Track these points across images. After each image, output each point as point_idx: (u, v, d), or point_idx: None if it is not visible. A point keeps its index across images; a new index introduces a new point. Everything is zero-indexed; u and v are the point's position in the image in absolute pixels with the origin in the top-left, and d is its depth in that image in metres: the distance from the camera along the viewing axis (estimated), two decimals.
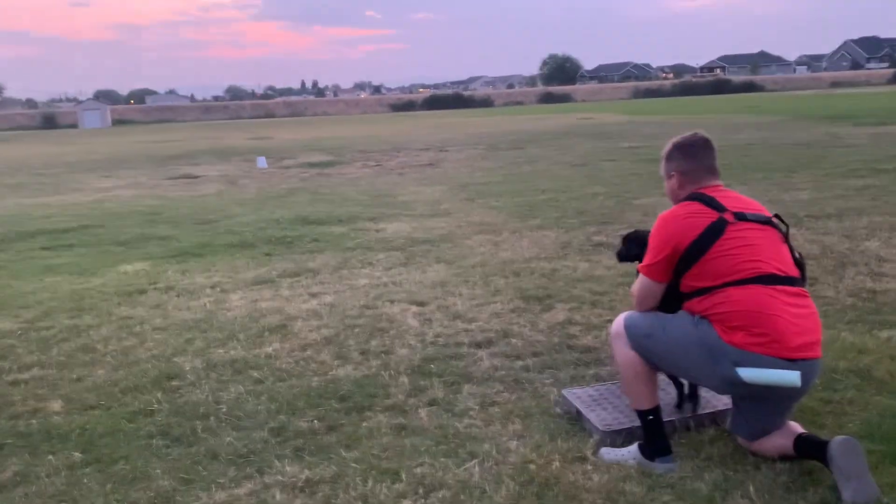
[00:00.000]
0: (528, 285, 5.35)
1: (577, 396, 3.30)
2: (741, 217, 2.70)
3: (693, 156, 2.87)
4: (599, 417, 3.08)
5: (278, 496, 2.70)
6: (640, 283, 2.85)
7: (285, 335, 4.53)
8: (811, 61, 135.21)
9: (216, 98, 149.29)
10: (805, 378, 2.55)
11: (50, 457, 3.08)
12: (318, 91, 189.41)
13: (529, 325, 4.48)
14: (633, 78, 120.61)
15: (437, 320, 4.67)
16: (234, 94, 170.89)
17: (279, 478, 2.82)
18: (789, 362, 2.53)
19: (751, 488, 2.57)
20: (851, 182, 9.67)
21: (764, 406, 2.71)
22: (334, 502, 2.66)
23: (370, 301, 5.16)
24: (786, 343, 2.53)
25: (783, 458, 2.70)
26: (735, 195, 2.83)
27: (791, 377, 2.52)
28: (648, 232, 2.88)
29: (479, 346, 4.18)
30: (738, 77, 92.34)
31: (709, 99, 56.55)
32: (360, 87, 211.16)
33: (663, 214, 2.80)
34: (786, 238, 2.76)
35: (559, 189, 10.52)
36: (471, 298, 5.11)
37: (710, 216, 2.69)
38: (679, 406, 3.15)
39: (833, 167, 11.23)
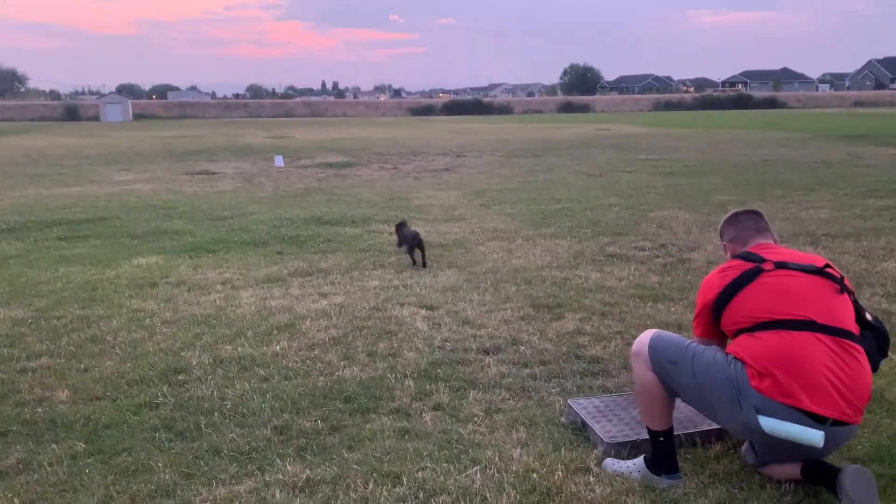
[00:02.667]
0: (539, 293, 5.33)
1: (583, 407, 3.27)
2: (781, 266, 2.64)
3: (738, 223, 2.97)
4: (604, 429, 3.06)
5: (278, 495, 2.69)
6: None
7: (293, 334, 4.53)
8: (834, 80, 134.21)
9: (237, 96, 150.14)
10: (829, 441, 2.41)
11: (53, 446, 3.10)
12: (339, 92, 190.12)
13: (538, 334, 4.46)
14: (653, 90, 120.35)
15: (445, 325, 4.65)
16: (255, 92, 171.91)
17: (280, 476, 2.81)
18: (816, 420, 2.39)
19: None
20: (871, 202, 9.58)
21: (780, 455, 2.61)
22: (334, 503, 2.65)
23: (380, 303, 5.16)
24: (816, 397, 2.38)
25: (790, 481, 2.66)
26: (785, 250, 2.81)
27: (813, 437, 2.36)
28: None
29: (486, 352, 4.17)
30: (760, 93, 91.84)
31: (730, 113, 56.31)
32: (380, 89, 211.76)
33: (706, 276, 2.87)
34: (843, 290, 2.60)
35: (574, 198, 10.49)
36: (481, 304, 5.09)
37: (745, 267, 2.69)
38: None
39: (853, 187, 11.13)
